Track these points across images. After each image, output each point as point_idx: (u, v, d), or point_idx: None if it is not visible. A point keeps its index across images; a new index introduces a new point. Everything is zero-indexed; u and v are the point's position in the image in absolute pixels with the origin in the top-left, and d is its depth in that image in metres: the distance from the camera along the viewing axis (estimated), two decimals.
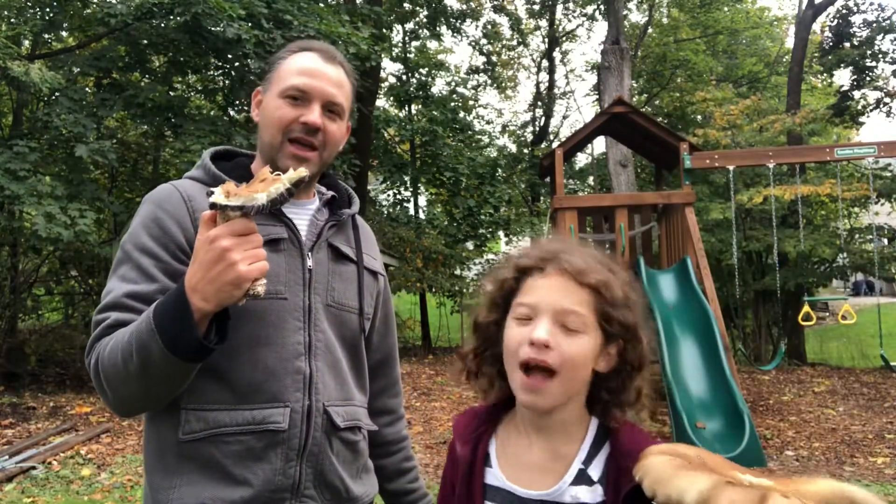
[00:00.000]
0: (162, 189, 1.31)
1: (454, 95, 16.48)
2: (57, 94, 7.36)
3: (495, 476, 1.07)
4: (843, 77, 20.10)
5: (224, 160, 1.42)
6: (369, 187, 14.31)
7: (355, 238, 1.43)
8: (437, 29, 15.33)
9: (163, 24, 8.05)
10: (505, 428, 1.12)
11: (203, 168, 1.35)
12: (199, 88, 10.03)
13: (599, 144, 15.75)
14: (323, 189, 1.44)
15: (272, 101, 1.32)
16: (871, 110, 14.06)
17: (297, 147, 1.29)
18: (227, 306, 1.08)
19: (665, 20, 18.24)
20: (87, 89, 8.73)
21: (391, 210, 14.66)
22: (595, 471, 1.03)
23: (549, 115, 18.23)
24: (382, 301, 1.50)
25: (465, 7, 15.94)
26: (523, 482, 1.05)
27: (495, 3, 17.06)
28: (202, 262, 1.06)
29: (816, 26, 14.73)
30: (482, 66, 17.51)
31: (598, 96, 15.13)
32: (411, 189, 14.68)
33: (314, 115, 1.29)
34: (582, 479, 1.03)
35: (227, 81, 9.19)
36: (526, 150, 17.52)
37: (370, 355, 1.47)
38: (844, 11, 13.97)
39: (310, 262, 1.30)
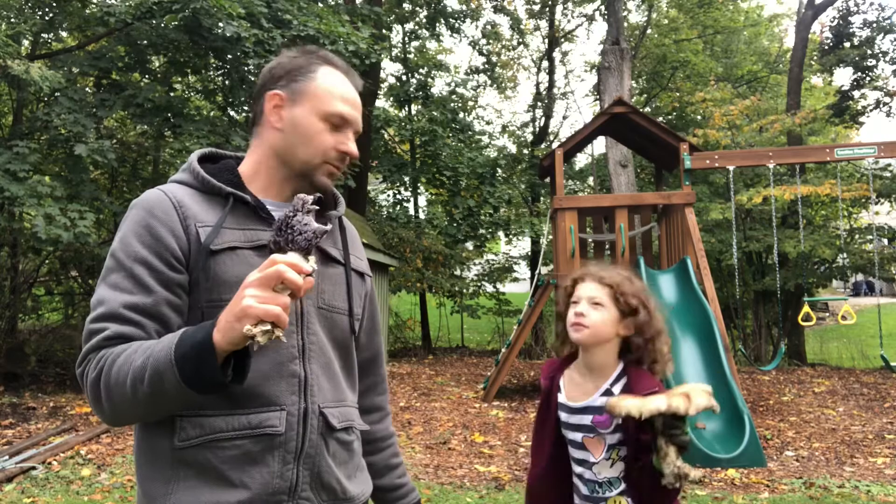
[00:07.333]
0: (150, 195, 1.29)
1: (454, 96, 16.47)
2: (57, 94, 7.35)
3: (562, 397, 1.88)
4: (843, 77, 20.09)
5: (210, 163, 1.41)
6: (369, 187, 14.32)
7: (342, 240, 1.44)
8: (437, 29, 15.32)
9: (162, 24, 8.05)
10: (569, 371, 1.92)
11: (191, 172, 1.33)
12: (199, 89, 10.03)
13: (599, 145, 15.76)
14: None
15: (312, 122, 1.32)
16: (871, 110, 14.06)
17: (332, 167, 1.35)
18: (236, 345, 1.06)
19: (665, 21, 18.24)
20: (86, 89, 8.73)
21: (391, 210, 14.66)
22: (616, 389, 1.80)
23: (548, 115, 18.20)
24: (369, 301, 1.52)
25: (464, 7, 15.92)
26: (576, 399, 1.84)
27: (495, 3, 17.05)
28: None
29: (816, 26, 14.73)
30: (482, 67, 17.50)
31: (598, 97, 15.12)
32: (411, 189, 14.68)
33: (353, 146, 1.35)
34: (607, 393, 1.79)
35: (226, 82, 9.19)
36: (526, 151, 17.50)
37: (359, 354, 1.48)
38: (844, 11, 13.97)
39: None
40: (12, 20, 7.82)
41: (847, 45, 13.64)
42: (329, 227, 1.13)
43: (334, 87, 1.34)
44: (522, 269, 16.10)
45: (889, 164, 12.20)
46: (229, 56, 8.20)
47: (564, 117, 27.22)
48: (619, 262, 8.11)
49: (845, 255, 12.16)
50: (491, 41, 17.58)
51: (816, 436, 6.54)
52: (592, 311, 1.80)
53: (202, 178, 1.31)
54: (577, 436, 1.82)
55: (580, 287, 1.86)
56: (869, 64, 13.59)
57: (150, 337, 1.18)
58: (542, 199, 16.31)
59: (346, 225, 1.48)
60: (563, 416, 1.85)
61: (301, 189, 1.33)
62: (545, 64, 18.51)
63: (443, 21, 15.04)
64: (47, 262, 9.95)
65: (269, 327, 1.04)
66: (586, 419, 1.80)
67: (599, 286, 1.83)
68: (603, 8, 16.12)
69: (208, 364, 1.06)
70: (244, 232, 1.26)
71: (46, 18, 8.57)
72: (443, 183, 14.15)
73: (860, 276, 21.73)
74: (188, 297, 1.23)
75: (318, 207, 1.13)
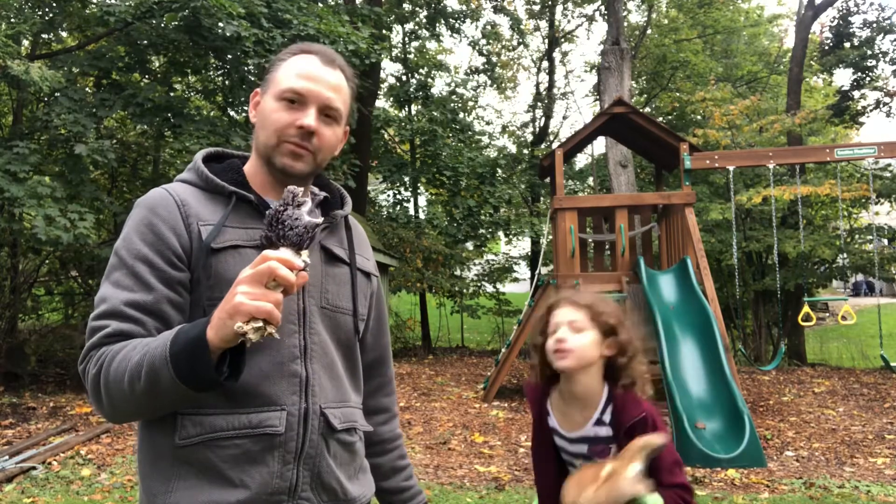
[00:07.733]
0: (154, 193, 1.29)
1: (454, 96, 16.47)
2: (57, 94, 7.35)
3: (553, 422, 1.81)
4: (843, 77, 20.11)
5: (215, 162, 1.41)
6: (369, 187, 14.32)
7: (348, 239, 1.42)
8: (437, 29, 15.33)
9: (162, 24, 8.05)
10: (554, 395, 1.84)
11: (195, 171, 1.33)
12: (199, 89, 10.03)
13: (599, 145, 15.75)
14: (315, 190, 1.43)
15: (269, 103, 1.32)
16: (871, 110, 14.07)
17: (293, 145, 1.30)
18: (229, 342, 1.07)
19: (665, 21, 18.24)
20: (86, 89, 8.73)
21: (391, 210, 14.65)
22: (606, 417, 1.74)
23: (548, 115, 18.22)
24: (375, 301, 1.50)
25: (464, 7, 15.93)
26: (567, 427, 1.78)
27: (495, 3, 17.06)
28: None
29: (816, 26, 14.73)
30: (482, 67, 17.50)
31: (598, 97, 15.12)
32: (411, 189, 14.68)
33: (309, 118, 1.29)
34: (599, 422, 1.74)
35: (226, 82, 9.19)
36: (526, 151, 17.52)
37: (365, 355, 1.48)
38: (844, 12, 13.97)
39: None
40: (12, 20, 7.82)
41: (847, 45, 13.65)
42: (321, 220, 1.12)
43: (294, 67, 1.32)
44: (522, 269, 16.10)
45: (889, 164, 12.20)
46: (229, 56, 8.21)
47: (564, 117, 27.24)
48: (619, 262, 8.15)
49: (845, 255, 12.16)
50: (491, 41, 17.59)
51: (816, 436, 6.54)
52: (574, 335, 1.73)
53: (206, 177, 1.31)
54: (576, 462, 1.79)
55: (556, 314, 1.79)
56: (869, 64, 13.60)
57: (151, 334, 1.18)
58: (542, 199, 16.32)
59: (352, 224, 1.46)
60: (559, 442, 1.80)
61: (278, 180, 1.32)
62: (545, 64, 18.54)
63: (443, 21, 15.05)
64: (47, 262, 9.95)
65: (261, 324, 1.04)
66: (583, 448, 1.76)
67: (576, 309, 1.77)
68: (603, 8, 16.13)
69: (202, 361, 1.06)
70: (247, 231, 1.26)
71: (46, 18, 8.56)
72: (443, 183, 14.14)
73: (860, 276, 21.74)
74: (190, 295, 1.23)
75: (307, 200, 1.11)
